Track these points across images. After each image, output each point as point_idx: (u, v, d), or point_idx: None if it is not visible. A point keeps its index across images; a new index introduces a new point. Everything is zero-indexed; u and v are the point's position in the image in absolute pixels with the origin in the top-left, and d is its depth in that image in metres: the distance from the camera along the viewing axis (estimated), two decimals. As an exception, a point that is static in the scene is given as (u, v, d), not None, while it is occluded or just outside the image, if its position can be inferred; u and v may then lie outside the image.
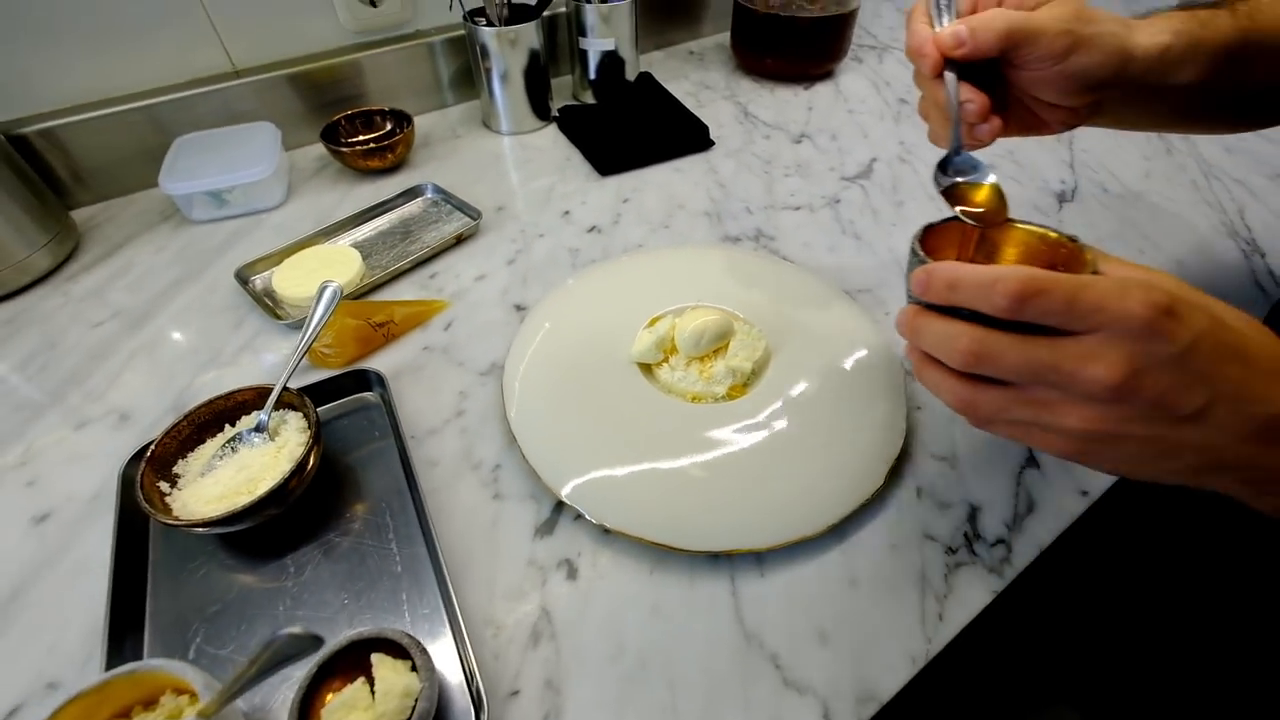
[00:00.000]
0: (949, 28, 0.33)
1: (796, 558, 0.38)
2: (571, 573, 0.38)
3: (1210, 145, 0.75)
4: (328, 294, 0.44)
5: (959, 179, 0.36)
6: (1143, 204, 0.66)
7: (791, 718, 0.32)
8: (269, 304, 0.54)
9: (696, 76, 0.90)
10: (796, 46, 0.86)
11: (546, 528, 0.40)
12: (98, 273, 0.58)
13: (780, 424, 0.42)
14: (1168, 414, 0.24)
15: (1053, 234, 0.31)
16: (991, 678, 0.49)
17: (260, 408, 0.41)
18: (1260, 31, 0.36)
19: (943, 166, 0.36)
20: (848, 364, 0.46)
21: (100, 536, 0.39)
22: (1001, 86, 0.36)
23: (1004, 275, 0.24)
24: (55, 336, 0.52)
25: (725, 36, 0.98)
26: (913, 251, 0.32)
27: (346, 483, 0.42)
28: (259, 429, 0.41)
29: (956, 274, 0.26)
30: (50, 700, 0.32)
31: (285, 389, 0.41)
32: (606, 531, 0.38)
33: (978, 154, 0.36)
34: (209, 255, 0.60)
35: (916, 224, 0.50)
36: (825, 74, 0.90)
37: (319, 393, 0.45)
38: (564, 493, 0.39)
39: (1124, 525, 0.48)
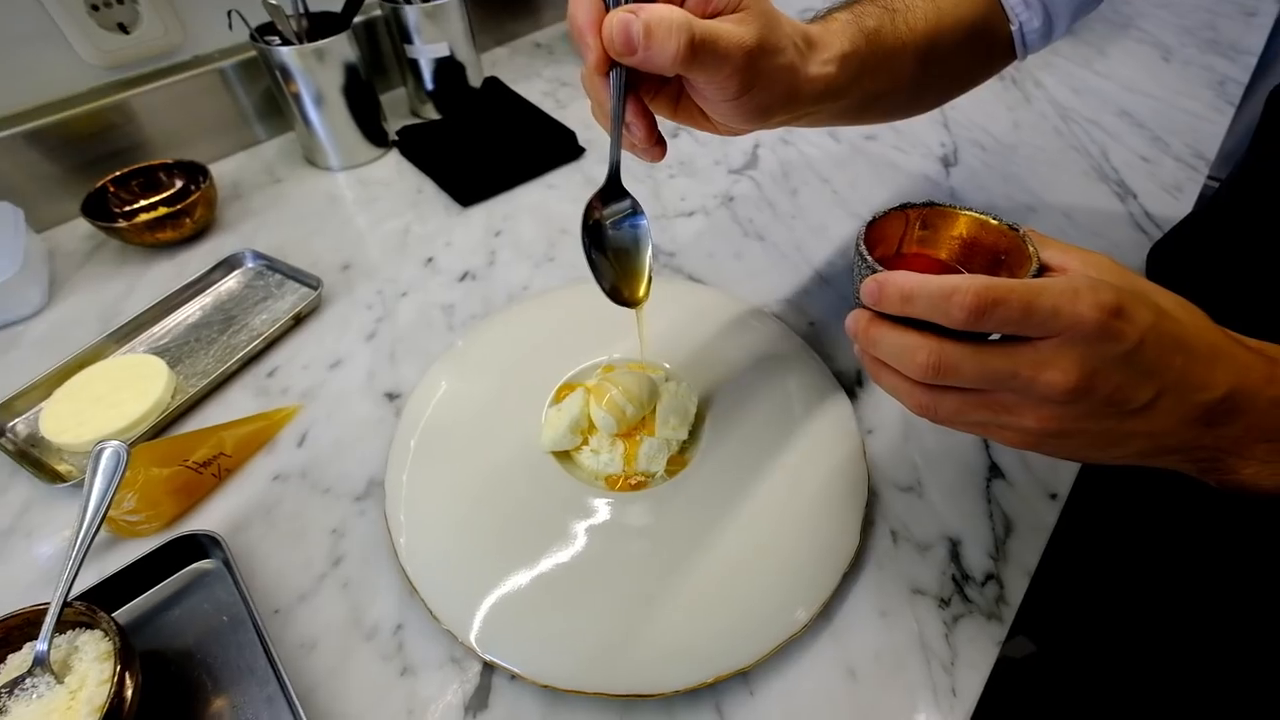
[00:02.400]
0: (618, 15, 0.26)
1: (786, 663, 0.32)
2: (521, 757, 0.29)
3: (1059, 88, 0.76)
4: (105, 460, 0.31)
5: (608, 220, 0.34)
6: (1019, 157, 0.66)
7: None
8: (38, 459, 0.40)
9: (550, 73, 0.81)
10: (652, 29, 0.79)
11: (479, 700, 0.31)
12: None
13: (737, 499, 0.36)
14: (1119, 409, 0.25)
15: (993, 221, 0.29)
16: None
17: (35, 636, 0.29)
18: (904, 37, 0.38)
19: (602, 195, 0.34)
20: (787, 399, 0.41)
21: None
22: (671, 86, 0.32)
23: (959, 286, 0.24)
24: None
25: (572, 24, 0.89)
26: (859, 255, 0.28)
27: (196, 701, 0.31)
28: (38, 668, 0.29)
29: (910, 286, 0.25)
30: None
31: (68, 603, 0.29)
32: (556, 691, 0.30)
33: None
34: (-58, 399, 0.44)
35: (814, 213, 0.47)
36: (687, 55, 0.84)
37: (132, 580, 0.34)
38: (487, 650, 0.31)
39: (1100, 529, 0.47)
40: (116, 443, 0.32)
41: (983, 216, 0.30)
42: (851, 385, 0.45)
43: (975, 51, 0.43)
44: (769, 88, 0.30)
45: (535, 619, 0.32)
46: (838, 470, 0.37)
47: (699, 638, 0.31)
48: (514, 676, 0.31)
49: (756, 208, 0.60)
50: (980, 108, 0.73)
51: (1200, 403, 0.26)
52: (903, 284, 0.25)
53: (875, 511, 0.38)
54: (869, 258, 0.27)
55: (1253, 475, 0.27)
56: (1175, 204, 0.60)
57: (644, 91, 0.31)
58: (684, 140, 0.69)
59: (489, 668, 0.32)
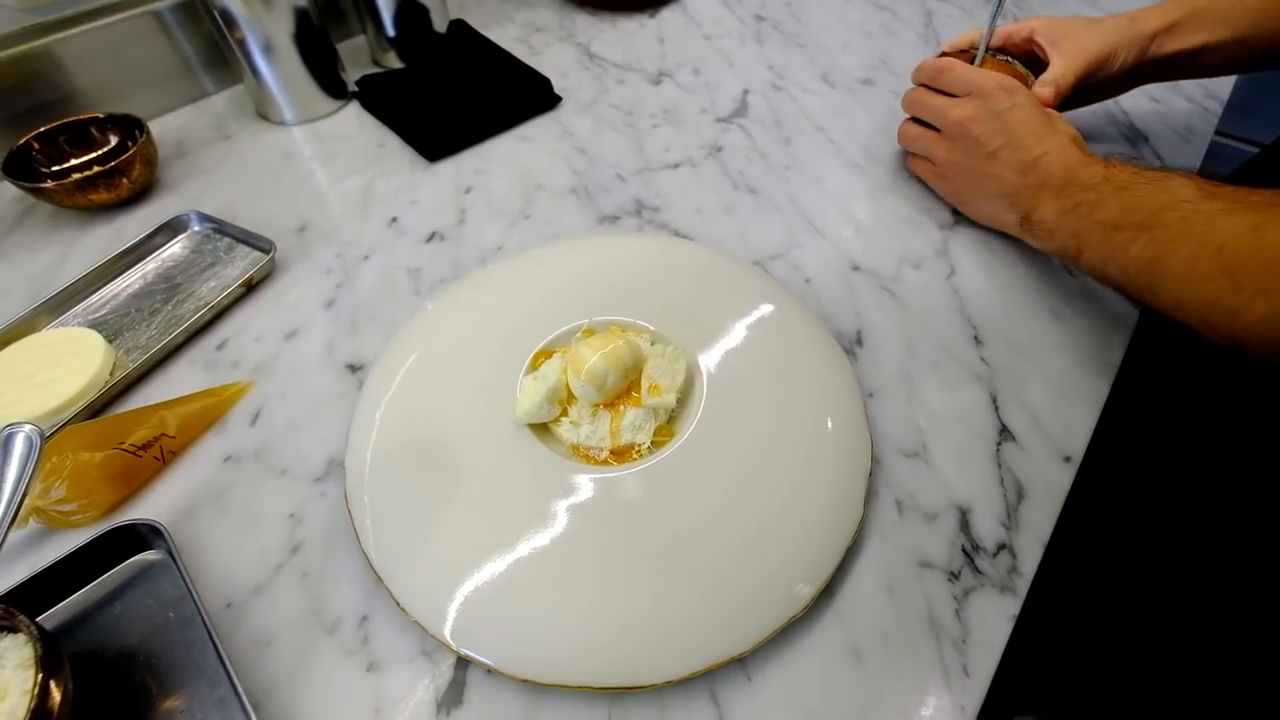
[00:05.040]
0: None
1: (786, 647, 0.29)
2: (501, 758, 0.27)
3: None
4: (18, 447, 0.28)
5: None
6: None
7: None
8: (-38, 444, 0.36)
9: (521, 17, 0.75)
10: (632, -33, 0.73)
11: (453, 697, 0.28)
12: None
13: (730, 470, 0.33)
14: (980, 150, 0.43)
15: (1014, 65, 0.50)
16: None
17: (-51, 642, 0.26)
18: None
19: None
20: (782, 362, 0.37)
21: None
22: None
23: (938, 62, 0.48)
24: None
25: (546, -36, 0.82)
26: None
27: (140, 705, 0.28)
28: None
29: (926, 61, 0.49)
30: None
31: (-15, 606, 0.26)
32: (538, 685, 0.28)
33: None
34: None
35: (810, 163, 0.53)
36: (669, -3, 0.78)
37: (66, 576, 0.30)
38: (461, 642, 0.28)
39: (1116, 494, 0.44)
40: (29, 426, 0.28)
41: (1009, 61, 0.50)
42: (851, 345, 0.42)
43: None
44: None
45: (513, 608, 0.29)
46: (838, 436, 0.34)
47: (691, 623, 0.28)
48: (491, 670, 0.28)
49: (747, 159, 0.56)
50: (982, 49, 0.68)
51: (1023, 158, 0.41)
52: (929, 61, 0.49)
53: (879, 480, 0.35)
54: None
55: (1043, 215, 0.40)
56: (1188, 147, 0.57)
57: None
58: (667, 87, 0.64)
59: (463, 662, 0.29)
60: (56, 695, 0.25)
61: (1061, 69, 0.47)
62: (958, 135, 0.44)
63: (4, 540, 0.27)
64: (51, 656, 0.25)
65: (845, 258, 0.47)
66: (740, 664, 0.29)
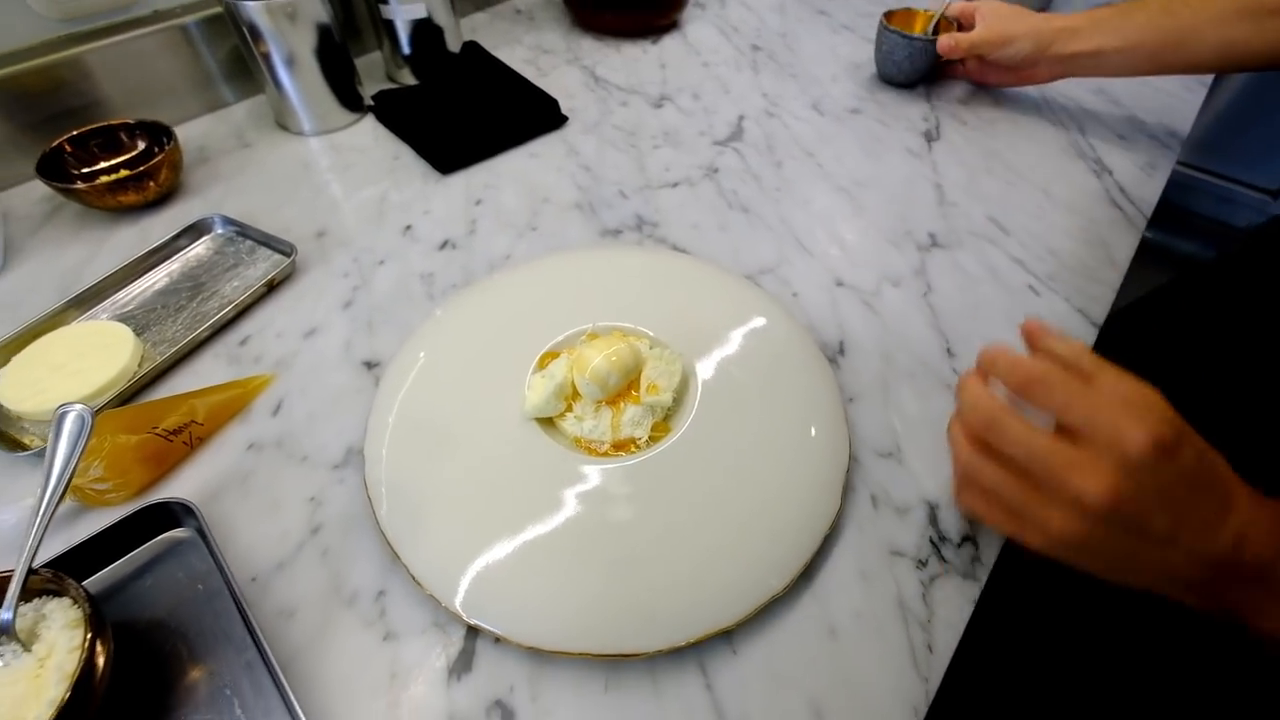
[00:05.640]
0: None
1: (769, 622, 0.32)
2: (508, 716, 0.29)
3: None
4: (69, 424, 0.30)
5: None
6: (999, 133, 0.66)
7: (807, 832, 0.27)
8: None
9: (530, 40, 0.79)
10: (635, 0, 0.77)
11: (463, 663, 0.31)
12: None
13: (720, 463, 0.36)
14: (1139, 532, 0.26)
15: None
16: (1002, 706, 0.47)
17: None
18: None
19: None
20: (770, 367, 0.41)
21: None
22: None
23: (1031, 369, 0.27)
24: None
25: (553, -10, 0.87)
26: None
27: (171, 671, 0.30)
28: (3, 636, 0.28)
29: (1004, 353, 0.29)
30: None
31: (33, 571, 0.28)
32: (541, 653, 0.30)
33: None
34: (-109, 366, 0.42)
35: (799, 186, 0.54)
36: (670, 25, 0.82)
37: (100, 550, 0.33)
38: (472, 614, 0.30)
39: None
40: (80, 405, 0.31)
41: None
42: (834, 354, 0.45)
43: None
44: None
45: (519, 583, 0.31)
46: (819, 436, 0.37)
47: (682, 598, 0.31)
48: (498, 640, 0.31)
49: (741, 180, 0.60)
50: (962, 84, 0.73)
51: (1214, 552, 0.26)
52: (995, 352, 0.29)
53: (856, 477, 0.38)
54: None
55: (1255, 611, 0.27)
56: (1149, 181, 0.61)
57: None
58: (668, 110, 0.68)
59: (473, 632, 0.32)
60: (102, 654, 0.27)
61: (970, 35, 0.62)
62: (1092, 509, 0.26)
63: (55, 508, 0.29)
64: (98, 617, 0.28)
65: (830, 274, 0.51)
66: (726, 637, 0.32)
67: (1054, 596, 0.45)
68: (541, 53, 0.77)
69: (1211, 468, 0.27)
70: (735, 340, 0.42)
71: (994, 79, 0.68)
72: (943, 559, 0.35)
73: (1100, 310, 0.49)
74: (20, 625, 0.28)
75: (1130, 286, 0.54)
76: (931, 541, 0.36)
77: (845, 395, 0.42)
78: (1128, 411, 0.25)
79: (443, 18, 0.68)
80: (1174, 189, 0.66)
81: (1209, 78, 0.75)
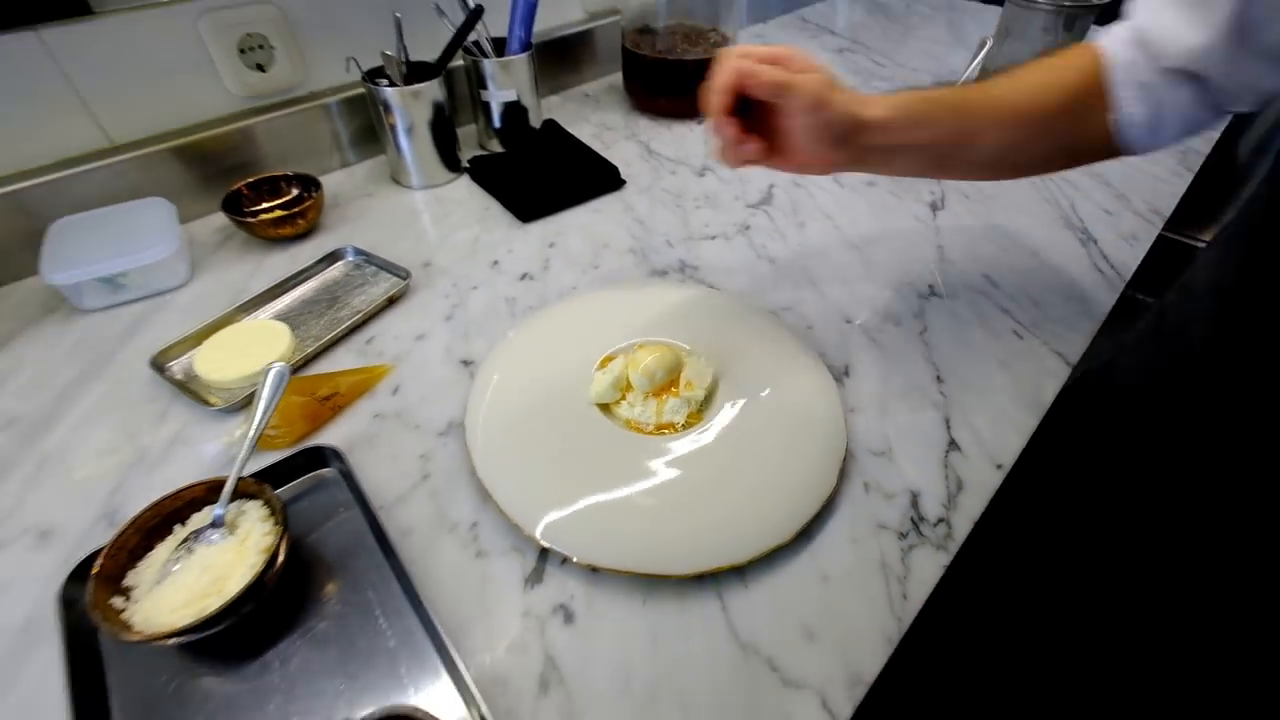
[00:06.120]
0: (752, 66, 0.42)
1: (774, 566, 0.41)
2: (568, 617, 0.39)
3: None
4: (273, 375, 0.42)
5: None
6: (998, 206, 0.77)
7: (796, 714, 0.35)
8: (194, 390, 0.51)
9: (596, 118, 0.94)
10: (685, 86, 0.92)
11: (535, 577, 0.40)
12: (-20, 376, 0.53)
13: (740, 444, 0.45)
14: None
15: None
16: (960, 648, 0.55)
17: (212, 502, 0.39)
18: (984, 104, 0.47)
19: None
20: (786, 377, 0.51)
21: (43, 669, 0.35)
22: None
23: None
24: (-62, 456, 0.47)
25: (617, 78, 1.03)
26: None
27: (318, 565, 0.41)
28: (216, 525, 0.39)
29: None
30: None
31: (241, 477, 0.40)
32: (595, 571, 0.40)
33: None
34: (111, 345, 0.56)
35: (821, 247, 0.61)
36: (715, 109, 0.97)
37: (270, 477, 0.44)
38: (547, 540, 0.40)
39: (1038, 497, 0.55)
40: (282, 364, 0.43)
41: None
42: (840, 375, 0.54)
43: (1061, 132, 0.47)
44: (836, 113, 0.42)
45: (581, 519, 0.41)
46: (823, 433, 0.47)
47: (707, 539, 0.40)
48: (564, 560, 0.40)
49: (769, 236, 0.71)
50: (968, 164, 0.84)
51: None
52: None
53: (852, 468, 0.47)
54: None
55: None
56: (1130, 250, 0.70)
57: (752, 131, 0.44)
58: (709, 179, 0.81)
59: (544, 553, 0.41)
60: (285, 541, 0.38)
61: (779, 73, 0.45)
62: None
63: (260, 430, 0.41)
64: (284, 513, 0.39)
65: (841, 313, 0.61)
66: (739, 573, 0.40)
67: (1011, 568, 0.52)
68: (605, 129, 0.92)
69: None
70: (757, 355, 0.52)
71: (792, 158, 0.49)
72: (920, 534, 0.44)
73: (1075, 353, 0.58)
74: (229, 517, 0.39)
75: (1106, 336, 0.62)
76: (912, 520, 0.44)
77: (847, 406, 0.51)
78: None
79: (528, 100, 0.83)
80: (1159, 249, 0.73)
81: (1197, 164, 0.85)
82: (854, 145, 0.44)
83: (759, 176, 0.81)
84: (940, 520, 0.44)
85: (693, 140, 0.89)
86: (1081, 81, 0.46)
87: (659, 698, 0.35)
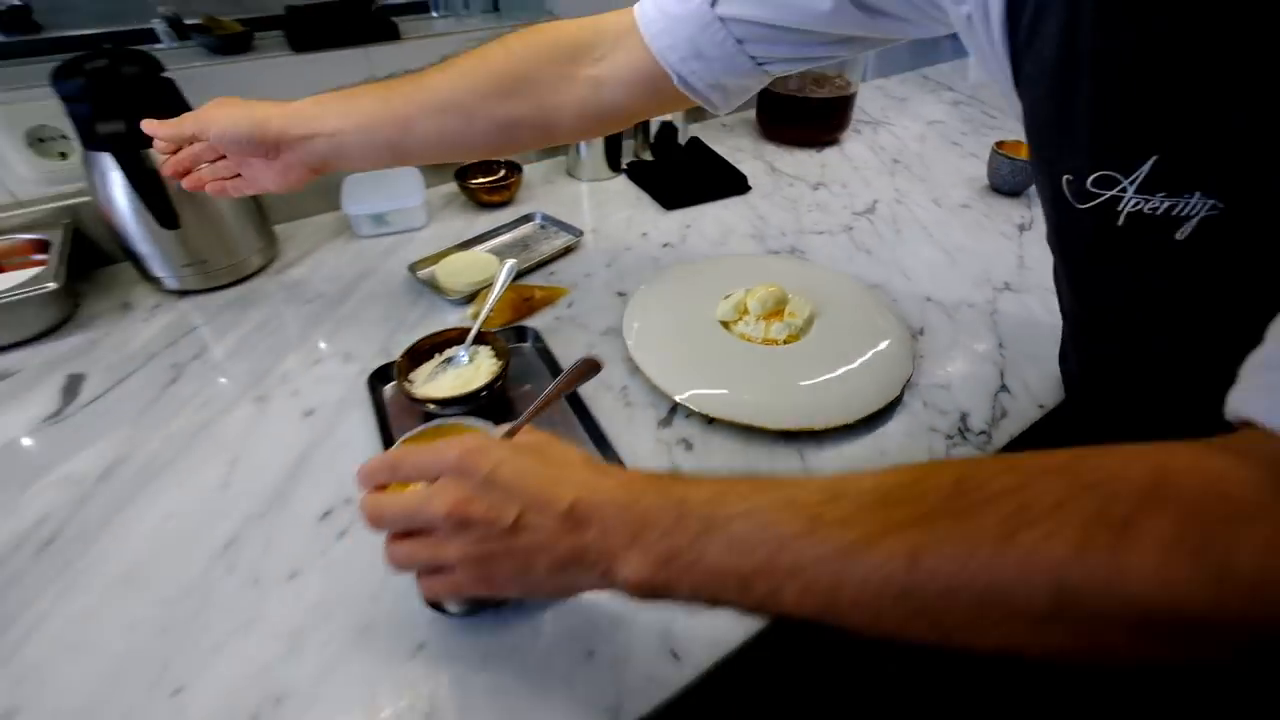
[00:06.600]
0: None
1: (844, 438, 0.55)
2: (688, 447, 0.54)
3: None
4: (507, 268, 0.62)
5: None
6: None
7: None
8: (436, 287, 0.72)
9: (730, 142, 1.13)
10: (810, 120, 1.10)
11: (666, 421, 0.56)
12: (299, 269, 0.77)
13: (825, 355, 0.60)
14: (499, 528, 0.32)
15: None
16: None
17: (460, 343, 0.59)
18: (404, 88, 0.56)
19: None
20: (868, 321, 0.64)
21: (351, 423, 0.55)
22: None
23: (382, 459, 0.37)
24: (279, 309, 0.70)
25: (750, 113, 1.22)
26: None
27: (521, 398, 0.59)
28: (462, 355, 0.58)
29: (366, 464, 0.37)
30: (351, 508, 0.48)
31: (480, 332, 0.59)
32: (710, 421, 0.55)
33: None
34: (378, 258, 0.79)
35: (914, 248, 0.71)
36: (833, 141, 1.13)
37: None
38: (678, 397, 0.56)
39: (1074, 430, 0.64)
40: (513, 260, 0.63)
41: None
42: (915, 333, 0.67)
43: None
44: (244, 132, 0.54)
45: (704, 384, 0.57)
46: (893, 359, 0.60)
47: (794, 409, 0.55)
48: (689, 413, 0.56)
49: (868, 236, 0.86)
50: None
51: (556, 513, 0.31)
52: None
53: (915, 392, 0.60)
54: None
55: (632, 573, 0.30)
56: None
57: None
58: (822, 192, 0.97)
59: (674, 407, 0.57)
60: (506, 369, 0.56)
61: (169, 122, 0.57)
62: (459, 525, 0.33)
63: (496, 300, 0.60)
64: (507, 352, 0.57)
65: (922, 293, 0.74)
66: (815, 437, 0.54)
67: None
68: (736, 150, 1.10)
69: (534, 451, 0.34)
70: (847, 306, 0.66)
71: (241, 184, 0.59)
72: (964, 439, 0.56)
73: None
74: (470, 353, 0.58)
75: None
76: (959, 429, 0.56)
77: (917, 354, 0.64)
78: (434, 450, 0.34)
79: (678, 122, 1.04)
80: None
81: None
82: (288, 155, 0.55)
83: (865, 193, 0.96)
84: (982, 432, 0.56)
85: (810, 163, 1.06)
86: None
87: (749, 499, 0.50)
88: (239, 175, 0.59)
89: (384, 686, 0.39)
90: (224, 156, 0.58)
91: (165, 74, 0.63)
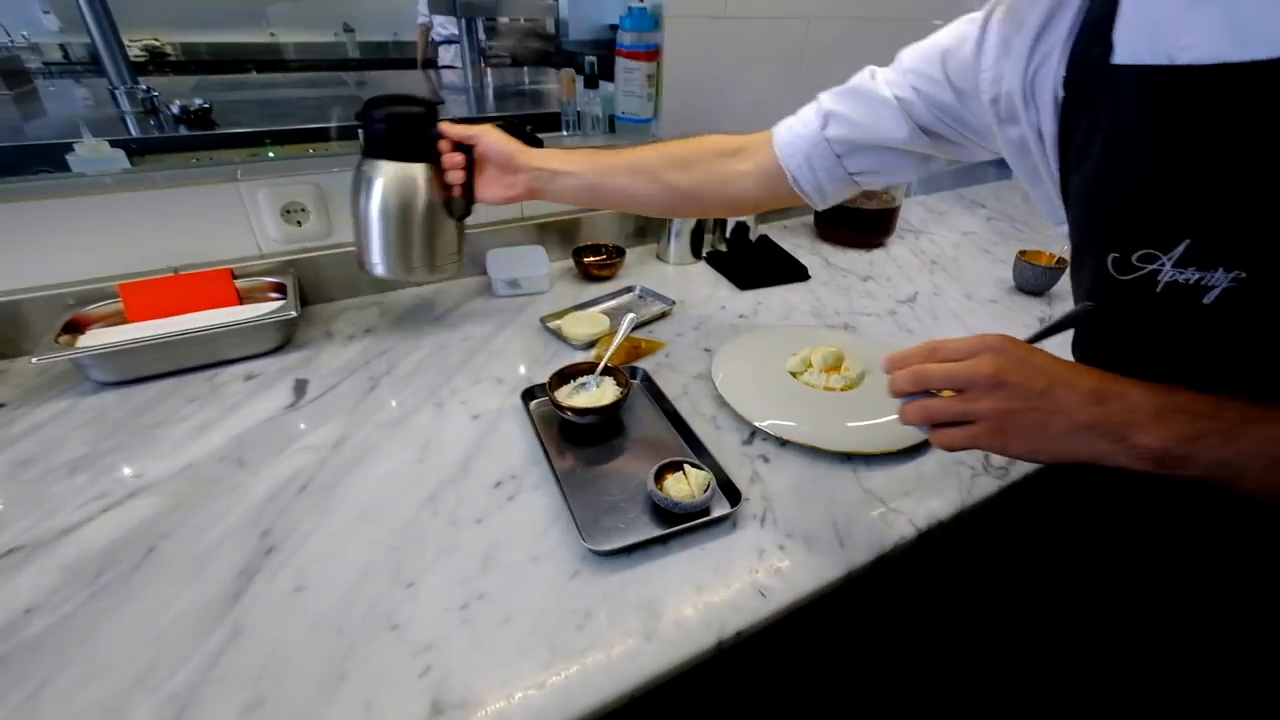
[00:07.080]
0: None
1: (890, 462, 0.70)
2: (766, 460, 0.70)
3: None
4: (628, 319, 0.82)
5: None
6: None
7: (892, 521, 0.62)
8: (561, 336, 0.92)
9: (791, 241, 1.35)
10: (861, 226, 1.31)
11: (748, 442, 0.73)
12: (454, 314, 0.99)
13: (874, 401, 0.76)
14: (1031, 391, 0.42)
15: None
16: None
17: (589, 373, 0.78)
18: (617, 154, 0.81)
19: None
20: (910, 383, 0.80)
21: (509, 426, 0.74)
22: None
23: (927, 343, 0.50)
24: (444, 341, 0.91)
25: (808, 218, 1.44)
26: None
27: (633, 420, 0.76)
28: (590, 383, 0.77)
29: (902, 351, 0.53)
30: (516, 481, 0.65)
31: (606, 367, 0.78)
32: (783, 444, 0.71)
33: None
34: (512, 313, 1.00)
35: (948, 330, 0.90)
36: (879, 243, 1.33)
37: (611, 375, 0.82)
38: (759, 424, 0.73)
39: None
40: (632, 314, 0.82)
41: None
42: (948, 394, 0.83)
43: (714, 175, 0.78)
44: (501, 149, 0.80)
45: (778, 416, 0.73)
46: (930, 410, 0.76)
47: (854, 436, 0.70)
48: (766, 436, 0.72)
49: (910, 319, 1.03)
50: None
51: (1082, 389, 0.41)
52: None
53: (947, 436, 0.75)
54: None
55: (1153, 441, 0.39)
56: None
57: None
58: (870, 284, 1.16)
59: (754, 432, 0.74)
60: (626, 394, 0.74)
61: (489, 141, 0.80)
62: (995, 385, 0.42)
63: (619, 344, 0.79)
64: (629, 384, 0.75)
65: (955, 365, 0.90)
66: (867, 460, 0.69)
67: (1043, 503, 0.73)
68: (797, 247, 1.31)
69: (1050, 356, 0.44)
70: (892, 369, 0.83)
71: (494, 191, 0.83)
72: (986, 473, 0.70)
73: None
74: (598, 381, 0.77)
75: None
76: (983, 465, 0.71)
77: (950, 408, 0.79)
78: (975, 340, 0.45)
79: (750, 223, 1.26)
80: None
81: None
82: (522, 176, 0.80)
83: (906, 287, 1.15)
84: (1002, 469, 0.70)
85: (860, 261, 1.26)
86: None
87: (810, 503, 0.65)
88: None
89: (552, 596, 0.54)
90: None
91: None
